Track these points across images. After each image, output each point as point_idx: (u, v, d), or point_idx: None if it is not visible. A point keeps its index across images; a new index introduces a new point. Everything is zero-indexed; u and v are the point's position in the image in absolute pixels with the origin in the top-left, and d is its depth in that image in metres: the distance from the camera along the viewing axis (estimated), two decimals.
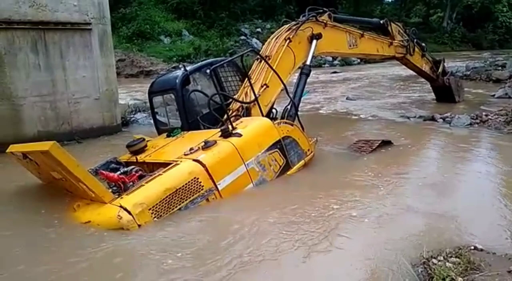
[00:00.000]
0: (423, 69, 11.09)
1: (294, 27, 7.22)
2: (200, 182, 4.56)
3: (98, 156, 6.62)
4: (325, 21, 7.72)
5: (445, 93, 11.91)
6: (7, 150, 5.11)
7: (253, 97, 6.05)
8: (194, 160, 4.70)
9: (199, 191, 4.54)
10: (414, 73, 11.81)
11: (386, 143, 7.16)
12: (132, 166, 5.10)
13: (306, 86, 7.29)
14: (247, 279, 3.24)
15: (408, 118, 10.07)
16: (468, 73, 17.84)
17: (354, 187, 5.19)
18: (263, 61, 6.66)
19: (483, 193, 5.08)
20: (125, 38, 25.28)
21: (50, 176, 4.62)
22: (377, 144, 6.95)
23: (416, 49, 10.58)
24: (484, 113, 9.36)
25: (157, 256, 3.54)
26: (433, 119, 9.52)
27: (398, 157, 6.63)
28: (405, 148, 7.23)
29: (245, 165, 4.97)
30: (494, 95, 12.82)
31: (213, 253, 3.56)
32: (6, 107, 7.44)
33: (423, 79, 12.31)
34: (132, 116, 10.45)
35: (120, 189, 4.53)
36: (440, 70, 11.44)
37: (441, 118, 9.42)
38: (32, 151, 4.46)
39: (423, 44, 11.17)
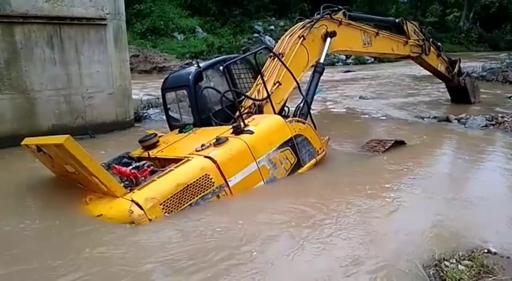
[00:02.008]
0: (439, 69, 10.95)
1: (308, 24, 7.18)
2: (211, 179, 4.57)
3: (110, 150, 6.68)
4: (339, 19, 7.67)
5: (460, 93, 11.75)
6: (22, 143, 5.19)
7: (265, 95, 6.03)
8: (205, 156, 4.72)
9: (210, 188, 4.55)
10: (429, 73, 11.66)
11: (399, 143, 7.09)
12: (144, 161, 5.14)
13: (319, 85, 7.25)
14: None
15: (422, 118, 9.95)
16: (484, 74, 17.57)
17: (366, 185, 5.14)
18: (276, 58, 6.63)
19: (499, 195, 5.01)
20: (139, 34, 25.43)
21: (64, 169, 4.67)
22: (390, 144, 6.88)
23: (432, 48, 10.45)
24: (500, 115, 9.23)
25: (166, 250, 3.57)
26: (447, 120, 9.39)
27: (411, 157, 6.54)
28: (418, 148, 7.15)
29: (256, 162, 4.97)
30: (510, 97, 12.61)
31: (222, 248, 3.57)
32: (22, 101, 7.54)
33: (438, 79, 12.15)
34: (145, 111, 10.51)
35: (132, 183, 4.56)
36: (455, 70, 11.28)
37: (455, 119, 9.29)
38: (46, 144, 4.52)
39: (439, 44, 11.04)
